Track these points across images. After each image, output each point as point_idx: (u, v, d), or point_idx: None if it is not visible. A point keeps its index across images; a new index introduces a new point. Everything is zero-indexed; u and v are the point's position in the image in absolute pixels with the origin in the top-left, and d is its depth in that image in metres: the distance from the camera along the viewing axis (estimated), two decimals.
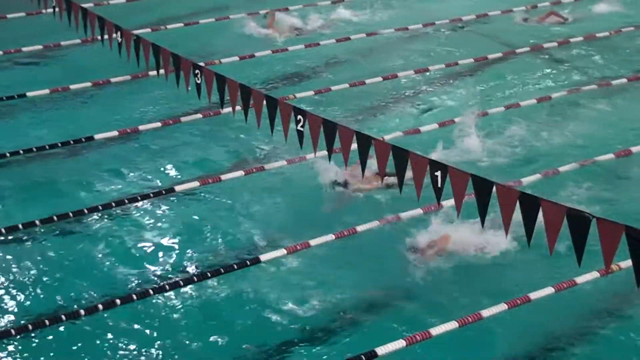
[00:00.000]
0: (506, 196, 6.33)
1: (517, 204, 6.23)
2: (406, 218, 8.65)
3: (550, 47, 13.93)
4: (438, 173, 6.76)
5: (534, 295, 7.39)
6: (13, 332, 7.13)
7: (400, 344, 6.78)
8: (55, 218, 8.67)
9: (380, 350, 6.72)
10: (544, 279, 7.70)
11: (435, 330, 6.96)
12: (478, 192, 6.51)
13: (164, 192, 9.36)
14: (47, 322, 7.21)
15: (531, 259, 8.04)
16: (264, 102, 8.62)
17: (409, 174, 6.99)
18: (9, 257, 8.34)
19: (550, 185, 9.36)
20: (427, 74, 12.89)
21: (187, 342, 7.22)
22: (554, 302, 7.51)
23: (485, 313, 7.17)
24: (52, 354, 7.07)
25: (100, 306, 7.42)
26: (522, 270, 8.07)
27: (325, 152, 8.08)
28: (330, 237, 8.36)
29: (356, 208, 9.14)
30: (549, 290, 7.47)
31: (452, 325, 7.03)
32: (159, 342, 7.22)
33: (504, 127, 11.02)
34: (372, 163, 7.76)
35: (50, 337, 7.20)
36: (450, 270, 8.10)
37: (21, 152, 10.06)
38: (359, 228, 8.51)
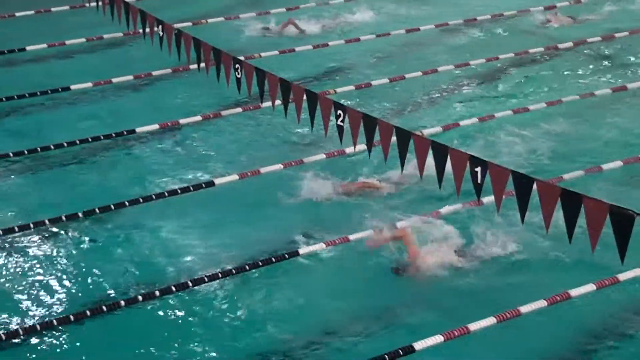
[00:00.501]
0: (547, 193, 6.28)
1: (559, 201, 6.18)
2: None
3: (594, 42, 13.77)
4: (478, 169, 6.74)
5: (574, 292, 7.34)
6: (55, 322, 7.26)
7: (438, 339, 6.76)
8: (97, 210, 8.80)
9: (418, 345, 6.72)
10: (583, 276, 7.64)
11: (473, 326, 6.92)
12: (518, 189, 6.47)
13: (204, 185, 9.43)
14: (88, 312, 7.35)
15: (570, 256, 7.99)
16: (304, 96, 8.65)
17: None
18: (51, 248, 8.47)
19: (593, 183, 9.26)
20: (468, 68, 12.82)
21: (228, 332, 7.30)
22: (595, 300, 7.46)
23: (524, 309, 7.12)
24: (93, 345, 7.19)
25: (139, 297, 7.54)
26: (560, 269, 8.02)
27: (364, 147, 8.10)
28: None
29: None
30: (589, 288, 7.40)
31: (490, 321, 7.00)
32: (201, 331, 7.30)
33: (545, 123, 10.92)
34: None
35: (90, 328, 7.31)
36: (492, 264, 8.06)
37: (65, 144, 10.19)
38: None
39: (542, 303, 7.18)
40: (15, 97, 11.44)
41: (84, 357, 6.97)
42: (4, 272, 8.04)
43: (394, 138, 7.64)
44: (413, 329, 7.16)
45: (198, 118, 11.04)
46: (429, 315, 7.42)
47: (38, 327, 7.19)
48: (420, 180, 7.66)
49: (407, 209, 8.79)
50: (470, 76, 12.69)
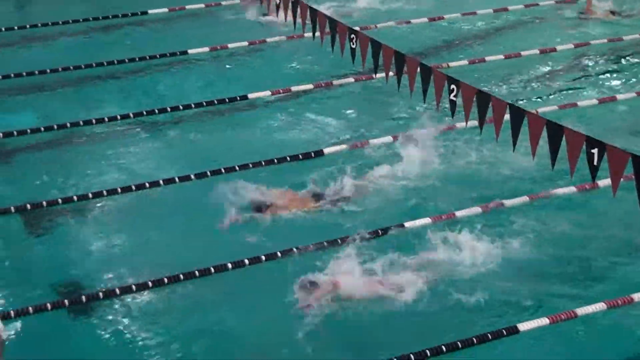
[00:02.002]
0: None
1: None
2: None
3: None
4: (595, 151, 6.53)
5: None
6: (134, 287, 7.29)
7: (543, 321, 6.65)
8: (208, 173, 8.98)
9: (522, 327, 6.62)
10: None
11: (581, 310, 6.78)
12: (638, 173, 6.26)
13: (312, 154, 9.49)
14: (181, 276, 7.40)
15: None
16: (418, 69, 8.57)
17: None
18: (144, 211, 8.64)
19: None
20: (587, 48, 12.44)
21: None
22: None
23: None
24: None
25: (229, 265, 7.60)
26: None
27: (475, 122, 7.98)
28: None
29: None
30: None
31: (600, 306, 6.86)
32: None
33: None
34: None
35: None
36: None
37: (180, 107, 10.42)
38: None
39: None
40: (137, 59, 11.75)
41: None
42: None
43: (507, 116, 7.49)
44: None
45: (310, 86, 11.10)
46: None
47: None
48: (532, 159, 7.43)
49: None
50: (590, 56, 12.31)
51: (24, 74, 11.19)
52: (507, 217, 8.38)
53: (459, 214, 8.34)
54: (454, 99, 8.08)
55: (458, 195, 8.75)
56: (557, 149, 6.93)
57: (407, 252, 7.75)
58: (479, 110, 7.74)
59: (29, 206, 8.33)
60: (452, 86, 8.08)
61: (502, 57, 11.93)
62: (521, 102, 10.58)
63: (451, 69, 11.16)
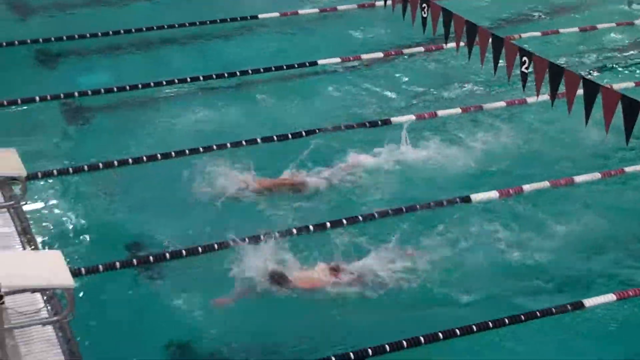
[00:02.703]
0: None
1: None
2: None
3: None
4: None
5: None
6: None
7: (609, 297, 6.59)
8: (274, 137, 9.05)
9: (588, 302, 6.57)
10: None
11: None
12: None
13: (379, 122, 9.48)
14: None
15: None
16: (490, 40, 8.46)
17: None
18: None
19: None
20: None
21: None
22: None
23: None
24: None
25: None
26: None
27: (547, 97, 7.86)
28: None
29: None
30: None
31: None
32: None
33: None
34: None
35: None
36: None
37: (249, 71, 10.49)
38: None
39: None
40: (208, 22, 11.83)
41: None
42: None
43: (580, 91, 7.36)
44: None
45: (379, 54, 11.05)
46: None
47: None
48: (606, 135, 7.29)
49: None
50: None
51: (99, 34, 11.35)
52: (578, 193, 8.27)
53: (526, 187, 8.25)
54: (526, 71, 7.96)
55: (526, 169, 8.66)
56: (632, 124, 6.79)
57: (471, 224, 7.75)
58: (551, 83, 7.62)
59: (100, 165, 8.49)
60: (524, 58, 7.96)
61: (576, 29, 11.69)
62: (595, 75, 10.38)
63: (523, 40, 10.97)
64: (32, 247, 6.90)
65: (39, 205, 7.79)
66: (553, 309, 6.56)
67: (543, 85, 7.58)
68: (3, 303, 5.51)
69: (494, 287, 7.08)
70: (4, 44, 10.93)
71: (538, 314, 6.61)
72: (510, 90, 9.70)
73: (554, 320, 6.60)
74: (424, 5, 9.36)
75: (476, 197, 8.11)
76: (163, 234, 7.60)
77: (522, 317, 6.57)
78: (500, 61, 8.00)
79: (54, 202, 7.80)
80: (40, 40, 11.12)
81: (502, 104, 9.68)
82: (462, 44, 8.95)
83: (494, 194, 8.16)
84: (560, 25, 11.92)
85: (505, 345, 6.49)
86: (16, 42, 11.01)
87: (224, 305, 6.73)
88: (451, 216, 7.91)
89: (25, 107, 9.58)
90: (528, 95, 9.00)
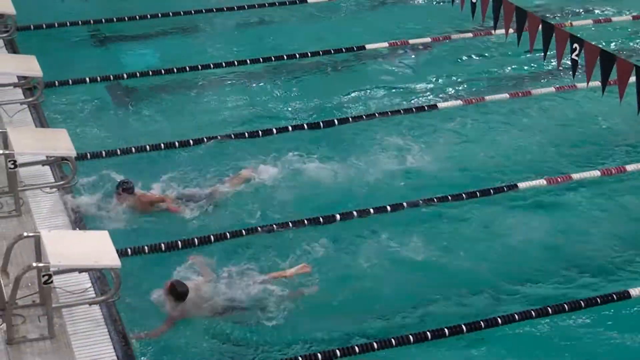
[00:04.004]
0: None
1: None
2: None
3: None
4: None
5: None
6: None
7: None
8: (321, 124, 9.04)
9: (634, 292, 6.52)
10: None
11: None
12: None
13: (426, 107, 9.44)
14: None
15: None
16: (540, 26, 8.36)
17: None
18: None
19: None
20: None
21: None
22: None
23: None
24: None
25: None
26: None
27: (597, 83, 7.75)
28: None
29: None
30: None
31: None
32: None
33: None
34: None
35: None
36: None
37: (297, 55, 10.49)
38: None
39: None
40: (256, 5, 11.84)
41: None
42: None
43: (632, 78, 7.25)
44: None
45: (427, 39, 10.99)
46: None
47: None
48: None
49: None
50: None
51: (148, 16, 11.43)
52: (629, 181, 8.17)
53: (575, 176, 8.16)
54: (576, 58, 7.86)
55: (577, 157, 8.56)
56: None
57: (517, 214, 7.73)
58: (602, 70, 7.51)
59: (148, 147, 8.57)
60: (575, 45, 7.86)
61: (630, 17, 11.48)
62: None
63: (574, 27, 10.81)
64: (81, 227, 7.01)
65: (88, 185, 7.87)
66: (598, 299, 6.50)
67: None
68: (52, 282, 5.63)
69: (540, 276, 7.04)
70: (57, 24, 11.03)
71: (582, 304, 6.55)
72: (560, 76, 9.56)
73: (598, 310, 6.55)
74: None
75: (525, 184, 8.05)
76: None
77: (566, 306, 6.52)
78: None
79: (102, 182, 7.88)
80: (91, 22, 11.25)
81: (552, 90, 9.55)
82: (511, 30, 8.87)
83: (540, 182, 8.07)
84: (613, 13, 11.71)
85: (547, 334, 6.44)
86: (68, 23, 11.12)
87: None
88: (498, 204, 7.86)
89: (76, 88, 9.68)
90: (578, 81, 8.86)
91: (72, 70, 10.02)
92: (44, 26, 10.97)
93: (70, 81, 9.71)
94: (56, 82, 9.55)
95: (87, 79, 9.77)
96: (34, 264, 5.70)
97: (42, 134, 7.76)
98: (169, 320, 6.42)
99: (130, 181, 7.62)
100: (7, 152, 6.91)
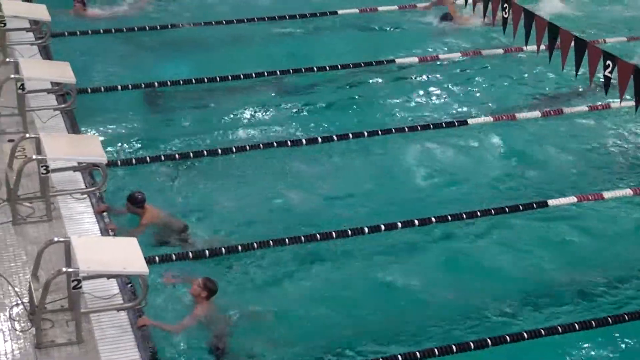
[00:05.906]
0: None
1: None
2: None
3: None
4: None
5: None
6: None
7: None
8: (350, 136, 9.07)
9: None
10: None
11: None
12: None
13: (456, 123, 9.41)
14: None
15: None
16: (572, 43, 8.31)
17: None
18: None
19: None
20: None
21: None
22: None
23: None
24: None
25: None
26: None
27: (632, 103, 7.70)
28: None
29: None
30: None
31: None
32: None
33: None
34: None
35: None
36: None
37: (327, 68, 10.49)
38: None
39: None
40: (287, 17, 11.86)
41: None
42: None
43: None
44: None
45: (457, 55, 10.97)
46: None
47: None
48: None
49: None
50: None
51: (180, 25, 11.51)
52: None
53: (607, 195, 8.11)
54: (609, 75, 7.81)
55: (607, 176, 8.51)
56: None
57: (548, 229, 7.70)
58: (635, 88, 7.46)
59: (177, 156, 8.62)
60: (608, 62, 7.80)
61: None
62: None
63: (608, 44, 10.75)
64: (110, 233, 7.05)
65: (118, 191, 7.92)
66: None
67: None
68: (81, 287, 5.66)
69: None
70: (90, 31, 11.14)
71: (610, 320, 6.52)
72: (592, 94, 9.51)
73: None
74: (505, 5, 9.26)
75: (555, 202, 8.01)
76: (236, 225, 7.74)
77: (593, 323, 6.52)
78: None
79: (131, 189, 7.92)
80: (124, 29, 11.35)
81: (585, 108, 9.50)
82: (542, 47, 8.83)
83: (570, 199, 8.03)
84: None
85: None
86: (101, 30, 11.23)
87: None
88: (526, 218, 7.83)
89: (107, 95, 9.75)
90: (610, 98, 8.81)
91: (104, 77, 10.11)
92: (78, 33, 11.08)
93: (102, 88, 9.79)
94: (88, 89, 9.63)
95: (119, 87, 9.86)
96: (64, 269, 5.73)
97: (75, 140, 7.81)
98: (193, 316, 6.43)
99: (142, 194, 7.51)
100: (40, 157, 6.96)
